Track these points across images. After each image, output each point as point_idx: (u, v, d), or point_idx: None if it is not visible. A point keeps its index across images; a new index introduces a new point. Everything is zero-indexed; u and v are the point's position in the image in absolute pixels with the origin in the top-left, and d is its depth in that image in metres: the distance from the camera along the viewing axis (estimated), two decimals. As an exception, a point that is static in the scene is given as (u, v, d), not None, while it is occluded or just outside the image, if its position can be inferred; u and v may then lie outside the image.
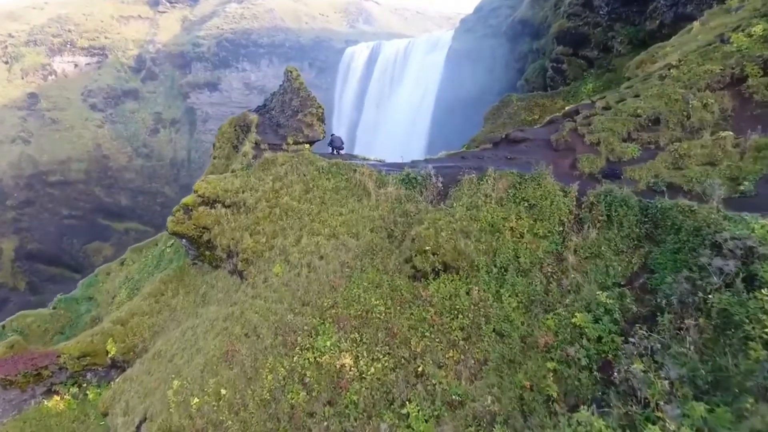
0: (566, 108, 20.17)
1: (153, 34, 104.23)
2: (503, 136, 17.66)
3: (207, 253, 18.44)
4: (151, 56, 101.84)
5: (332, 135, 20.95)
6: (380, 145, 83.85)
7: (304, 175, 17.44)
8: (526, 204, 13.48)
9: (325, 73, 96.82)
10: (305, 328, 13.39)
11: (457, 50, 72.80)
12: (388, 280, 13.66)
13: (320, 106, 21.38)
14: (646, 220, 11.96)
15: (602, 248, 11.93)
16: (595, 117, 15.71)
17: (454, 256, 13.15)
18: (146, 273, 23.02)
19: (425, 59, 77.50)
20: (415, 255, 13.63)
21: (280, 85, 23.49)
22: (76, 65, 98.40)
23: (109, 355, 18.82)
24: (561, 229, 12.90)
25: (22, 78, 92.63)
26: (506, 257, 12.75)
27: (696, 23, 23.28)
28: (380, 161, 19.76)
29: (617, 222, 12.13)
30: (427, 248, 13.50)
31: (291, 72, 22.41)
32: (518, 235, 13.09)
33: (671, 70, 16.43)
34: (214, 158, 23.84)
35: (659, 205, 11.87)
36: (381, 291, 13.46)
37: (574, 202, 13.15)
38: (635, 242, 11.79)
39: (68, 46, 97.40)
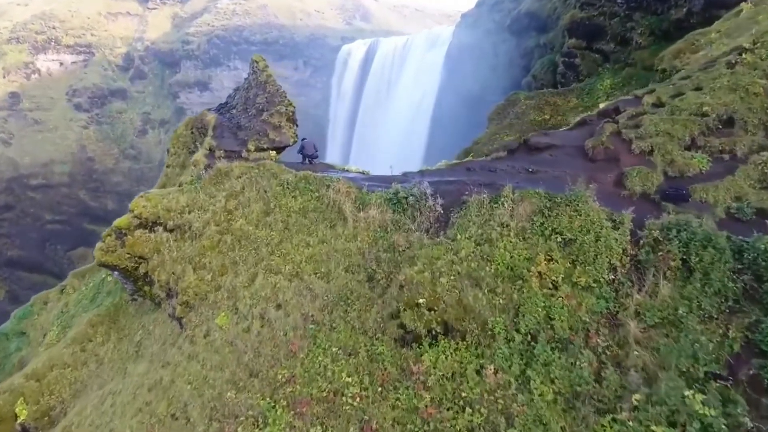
0: (601, 105, 16.25)
1: (142, 32, 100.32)
2: (521, 142, 13.79)
3: (146, 288, 14.63)
4: (139, 54, 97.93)
5: (303, 140, 17.03)
6: (378, 146, 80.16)
7: (265, 192, 13.57)
8: (559, 239, 9.57)
9: (321, 72, 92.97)
10: (250, 413, 9.48)
11: (457, 47, 68.89)
12: (366, 345, 9.76)
13: (290, 104, 17.44)
14: (743, 268, 8.07)
15: (680, 311, 8.01)
16: (644, 117, 11.84)
17: (458, 313, 9.25)
18: (81, 308, 19.10)
19: (425, 57, 73.57)
20: (404, 309, 9.73)
21: (245, 78, 19.59)
22: (61, 63, 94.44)
23: (19, 421, 14.86)
24: (612, 278, 8.98)
25: (4, 77, 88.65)
26: (534, 319, 8.82)
27: (746, 4, 19.43)
28: (363, 173, 15.76)
29: (700, 271, 8.21)
30: (420, 300, 9.60)
31: (257, 62, 18.47)
32: (550, 286, 9.17)
33: (744, 56, 12.54)
34: (168, 167, 19.95)
35: (763, 247, 7.97)
36: (356, 361, 9.55)
37: (629, 238, 9.25)
38: (730, 304, 7.88)
39: (53, 43, 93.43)
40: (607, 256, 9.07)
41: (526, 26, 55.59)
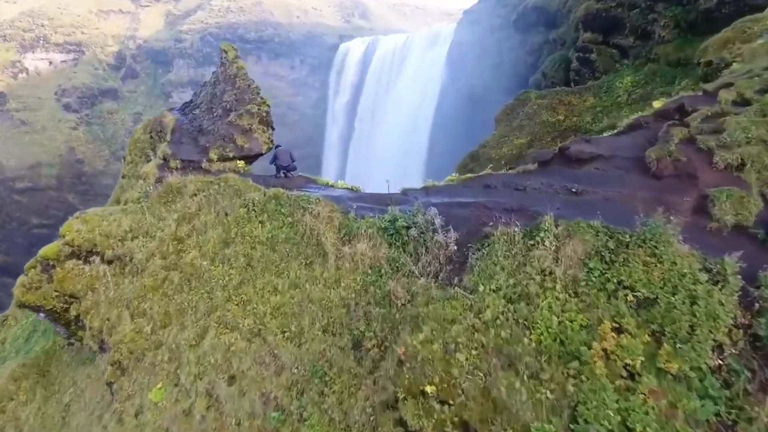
0: (657, 104, 13.09)
1: (134, 30, 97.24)
2: (556, 151, 10.66)
3: (81, 332, 11.61)
4: (131, 53, 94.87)
5: (277, 147, 13.89)
6: (377, 147, 77.24)
7: (226, 215, 10.53)
8: (630, 297, 6.52)
9: (318, 71, 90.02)
10: None
11: (460, 45, 65.89)
12: (349, 450, 6.73)
13: (265, 103, 14.36)
14: None
15: None
16: (726, 119, 8.78)
17: (484, 410, 6.21)
18: (15, 348, 16.00)
19: (425, 55, 70.55)
20: (405, 397, 6.69)
21: (213, 72, 16.53)
22: (50, 62, 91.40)
23: None
24: (719, 363, 5.93)
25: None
26: (603, 428, 5.77)
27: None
28: (351, 190, 12.48)
29: None
30: (428, 387, 6.54)
31: (225, 51, 15.42)
32: (624, 373, 6.11)
33: None
34: (123, 178, 16.90)
35: None
36: (334, 477, 6.52)
37: (737, 299, 6.20)
38: None
39: (41, 42, 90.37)
40: (709, 329, 6.01)
41: (533, 22, 52.55)
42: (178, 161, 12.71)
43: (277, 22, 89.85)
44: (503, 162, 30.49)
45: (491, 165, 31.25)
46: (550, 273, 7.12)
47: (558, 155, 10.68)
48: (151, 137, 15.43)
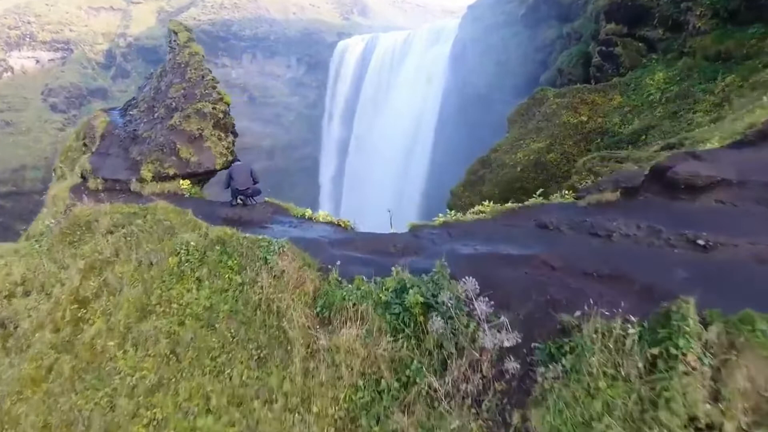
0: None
1: (125, 27, 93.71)
2: (647, 173, 7.08)
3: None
4: (122, 51, 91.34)
5: (234, 164, 10.33)
6: (376, 149, 73.78)
7: (150, 265, 7.11)
8: None
9: (316, 70, 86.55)
10: None
11: (463, 41, 62.36)
12: None
13: (222, 99, 10.81)
14: None
15: None
16: None
17: None
18: None
19: (428, 53, 67.03)
20: None
21: (163, 63, 12.97)
22: (37, 61, 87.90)
23: None
24: None
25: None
26: None
27: None
28: (339, 225, 8.74)
29: None
30: None
31: (175, 33, 11.86)
32: None
33: None
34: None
35: None
36: None
37: None
38: None
39: (27, 39, 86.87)
40: None
41: (544, 15, 49.07)
42: (99, 180, 9.24)
43: (273, 19, 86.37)
44: (519, 169, 26.97)
45: (505, 172, 27.73)
46: (710, 427, 3.58)
47: (652, 178, 7.13)
48: (85, 145, 11.91)
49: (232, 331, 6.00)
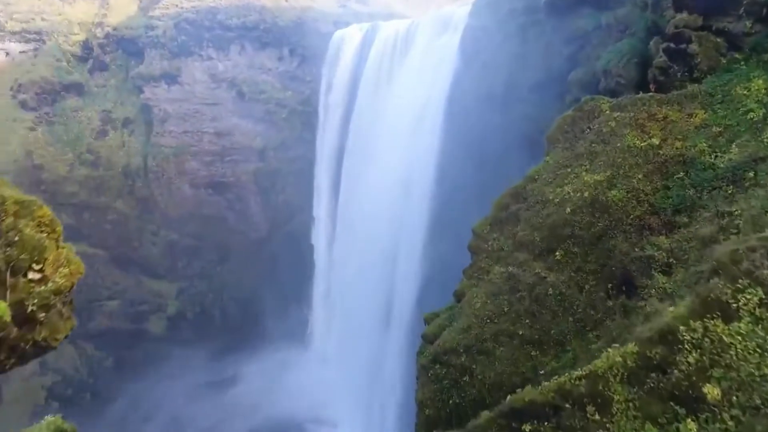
0: None
1: (102, 16, 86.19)
2: None
3: None
4: (99, 42, 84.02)
5: None
6: (376, 151, 66.88)
7: None
8: None
9: (310, 63, 79.43)
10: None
11: (475, 31, 55.12)
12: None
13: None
14: None
15: None
16: None
17: None
18: None
19: (434, 44, 59.88)
20: None
21: None
22: (6, 53, 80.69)
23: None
24: None
25: (-66, 70, 75.11)
26: None
27: None
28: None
29: None
30: None
31: None
32: None
33: None
34: None
35: None
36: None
37: None
38: None
39: (-5, 30, 79.63)
40: None
41: (572, 1, 42.03)
42: None
43: (263, 6, 78.94)
44: (568, 209, 20.16)
45: (548, 211, 21.00)
46: None
47: None
48: None
49: None
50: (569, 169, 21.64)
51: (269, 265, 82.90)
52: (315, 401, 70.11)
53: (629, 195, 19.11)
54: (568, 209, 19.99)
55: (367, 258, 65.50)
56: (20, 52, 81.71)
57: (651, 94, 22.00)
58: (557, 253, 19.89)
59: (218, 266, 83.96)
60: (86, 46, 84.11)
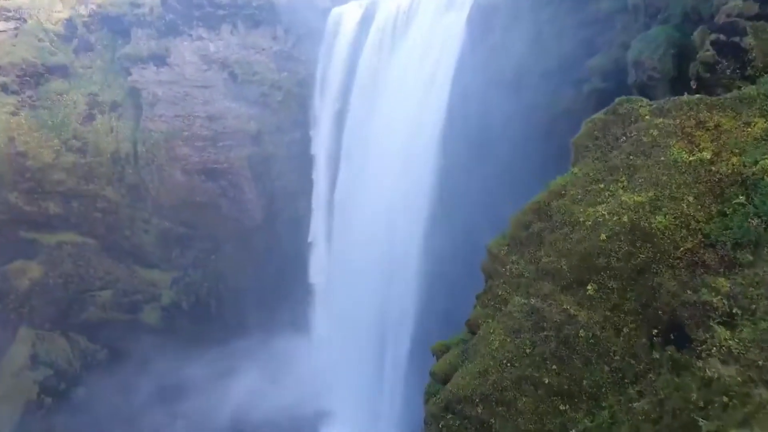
0: None
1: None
2: None
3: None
4: (83, 21, 79.51)
5: None
6: (375, 136, 63.72)
7: None
8: None
9: (306, 43, 75.52)
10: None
11: (484, 8, 51.27)
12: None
13: None
14: None
15: None
16: None
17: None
18: None
19: (438, 22, 55.86)
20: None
21: None
22: (-15, 33, 76.20)
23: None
24: None
25: None
26: None
27: None
28: None
29: None
30: None
31: None
32: None
33: None
34: None
35: None
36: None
37: None
38: None
39: (-28, 7, 75.05)
40: None
41: (593, -21, 38.39)
42: None
43: (255, -18, 74.26)
44: (603, 235, 17.19)
45: (579, 236, 18.02)
46: None
47: None
48: None
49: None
50: (602, 185, 18.64)
51: (266, 254, 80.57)
52: (314, 391, 68.75)
53: (677, 222, 16.16)
54: (603, 235, 17.07)
55: (367, 244, 63.26)
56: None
57: (699, 96, 18.78)
58: (589, 287, 17.06)
59: (213, 255, 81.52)
60: (70, 24, 79.47)
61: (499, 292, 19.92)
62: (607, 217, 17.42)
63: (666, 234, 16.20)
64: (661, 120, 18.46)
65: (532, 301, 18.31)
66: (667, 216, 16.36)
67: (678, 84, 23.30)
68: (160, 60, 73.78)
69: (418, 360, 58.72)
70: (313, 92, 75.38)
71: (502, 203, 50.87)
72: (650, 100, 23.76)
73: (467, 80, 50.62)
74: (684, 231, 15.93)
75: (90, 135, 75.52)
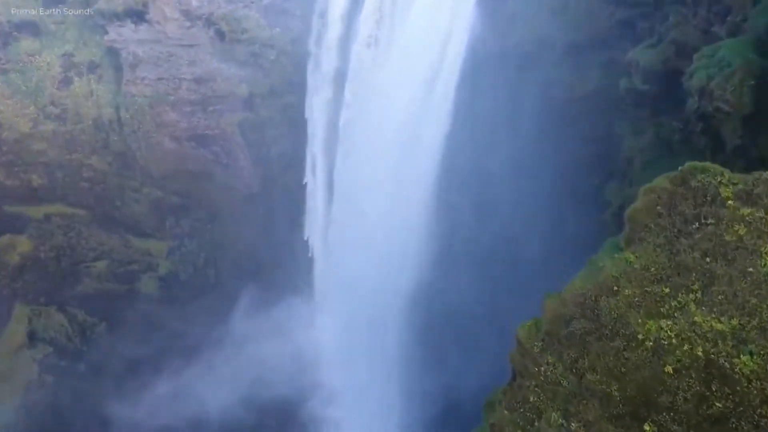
0: None
1: (51, -68, 72.32)
2: None
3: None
4: (52, -32, 71.28)
5: None
6: (378, 106, 58.65)
7: None
8: None
9: (299, -9, 67.97)
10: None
11: (501, -30, 44.56)
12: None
13: None
14: None
15: None
16: None
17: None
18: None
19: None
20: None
21: None
22: (-58, -14, 68.55)
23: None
24: None
25: None
26: None
27: None
28: None
29: None
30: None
31: None
32: None
33: None
34: None
35: None
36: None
37: None
38: None
39: (-77, -45, 66.89)
40: None
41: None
42: None
43: (240, -77, 65.64)
44: (668, 366, 13.77)
45: (635, 358, 14.55)
46: None
47: None
48: None
49: None
50: (668, 289, 14.92)
51: (264, 222, 77.48)
52: (315, 362, 68.30)
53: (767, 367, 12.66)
54: (670, 367, 13.63)
55: (368, 216, 60.39)
56: (-41, -18, 69.49)
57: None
58: (647, 428, 13.86)
59: (209, 224, 78.53)
60: (37, -27, 71.40)
61: (531, 398, 16.75)
62: (674, 342, 13.87)
63: (752, 380, 12.72)
64: (750, 211, 14.41)
65: (573, 426, 15.16)
66: (755, 357, 12.81)
67: (753, 122, 18.87)
68: (138, 16, 66.54)
69: (419, 335, 57.16)
70: (308, 50, 68.84)
71: (513, 181, 47.21)
72: (712, 133, 19.67)
73: (482, 54, 44.93)
74: (778, 382, 12.46)
75: (68, 100, 69.89)
